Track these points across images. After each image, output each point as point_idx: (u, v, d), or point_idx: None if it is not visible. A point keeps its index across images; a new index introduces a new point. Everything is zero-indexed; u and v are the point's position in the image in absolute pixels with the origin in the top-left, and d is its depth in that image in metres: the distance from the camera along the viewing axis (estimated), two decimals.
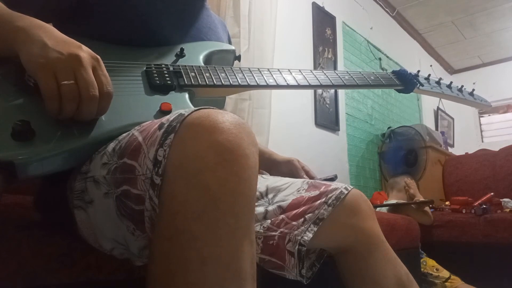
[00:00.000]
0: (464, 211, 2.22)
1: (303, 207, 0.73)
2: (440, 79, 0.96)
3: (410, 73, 0.90)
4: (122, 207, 0.47)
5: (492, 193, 2.33)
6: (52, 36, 0.53)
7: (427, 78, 0.94)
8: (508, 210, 2.20)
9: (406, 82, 0.88)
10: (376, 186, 2.89)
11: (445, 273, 1.90)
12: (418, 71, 0.94)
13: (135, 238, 0.49)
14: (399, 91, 0.91)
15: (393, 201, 2.22)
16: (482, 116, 4.88)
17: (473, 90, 0.99)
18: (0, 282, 0.50)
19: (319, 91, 2.50)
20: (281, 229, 0.72)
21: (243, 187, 0.41)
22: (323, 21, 2.68)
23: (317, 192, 0.74)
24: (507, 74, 4.35)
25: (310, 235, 0.69)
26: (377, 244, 0.73)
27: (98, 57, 0.53)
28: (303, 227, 0.70)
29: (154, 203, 0.42)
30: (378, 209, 2.18)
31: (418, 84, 0.89)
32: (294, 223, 0.71)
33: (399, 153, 2.79)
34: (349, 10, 3.04)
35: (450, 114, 4.53)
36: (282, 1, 2.23)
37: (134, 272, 0.63)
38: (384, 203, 2.26)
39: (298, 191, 0.77)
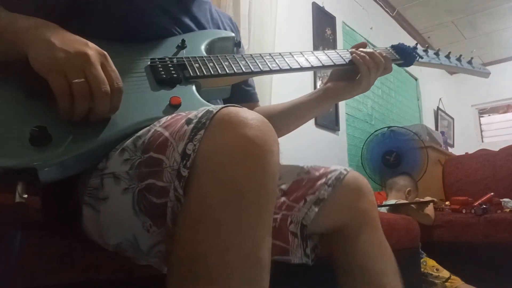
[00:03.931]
0: (464, 211, 2.22)
1: (304, 189, 0.74)
2: (439, 50, 0.96)
3: (409, 46, 0.91)
4: (142, 201, 0.48)
5: (492, 193, 2.33)
6: (58, 34, 0.53)
7: (426, 50, 0.95)
8: (508, 210, 2.20)
9: (405, 55, 0.88)
10: (376, 186, 2.89)
11: (445, 273, 1.90)
12: (417, 44, 0.95)
13: (150, 235, 0.49)
14: (399, 65, 0.91)
15: (393, 201, 2.22)
16: (482, 116, 4.88)
17: (472, 58, 0.99)
18: (0, 282, 0.50)
19: None
20: (283, 212, 0.73)
21: (268, 181, 0.43)
22: (323, 21, 2.68)
23: (316, 174, 0.76)
24: (507, 74, 4.34)
25: (312, 215, 0.71)
26: (370, 222, 0.75)
27: (105, 53, 0.53)
28: (304, 209, 0.72)
29: (179, 194, 0.43)
30: (378, 209, 2.17)
31: (418, 57, 0.90)
32: (295, 205, 0.73)
33: (377, 154, 2.79)
34: (349, 10, 3.04)
35: (450, 114, 4.52)
36: (282, 1, 2.23)
37: (134, 272, 0.63)
38: (384, 203, 2.26)
39: (298, 174, 0.78)
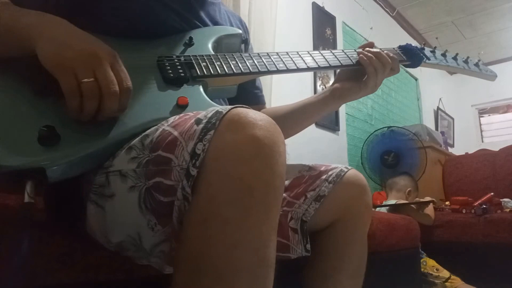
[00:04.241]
0: (464, 211, 2.22)
1: (304, 186, 0.75)
2: (446, 50, 0.95)
3: (416, 47, 0.90)
4: (148, 200, 0.48)
5: (492, 193, 2.32)
6: (67, 31, 0.53)
7: (433, 51, 0.93)
8: (508, 210, 2.20)
9: (412, 56, 0.87)
10: (376, 186, 2.89)
11: (445, 273, 1.90)
12: (424, 44, 0.94)
13: (153, 234, 0.49)
14: (406, 66, 0.89)
15: (393, 201, 2.22)
16: (482, 116, 4.88)
17: (479, 60, 0.98)
18: (0, 282, 0.50)
19: (320, 91, 2.50)
20: (283, 208, 0.73)
21: (276, 181, 0.44)
22: (323, 21, 2.68)
23: (317, 171, 0.77)
24: (507, 74, 4.34)
25: (312, 211, 0.72)
26: (361, 219, 0.77)
27: (115, 52, 0.53)
28: (304, 205, 0.73)
29: (187, 193, 0.44)
30: (378, 209, 2.18)
31: (425, 58, 0.89)
32: (295, 201, 0.73)
33: (377, 154, 2.79)
34: (349, 10, 3.04)
35: (450, 114, 4.52)
36: (282, 1, 2.23)
37: (134, 272, 0.63)
38: (384, 203, 2.26)
39: (299, 171, 0.79)
